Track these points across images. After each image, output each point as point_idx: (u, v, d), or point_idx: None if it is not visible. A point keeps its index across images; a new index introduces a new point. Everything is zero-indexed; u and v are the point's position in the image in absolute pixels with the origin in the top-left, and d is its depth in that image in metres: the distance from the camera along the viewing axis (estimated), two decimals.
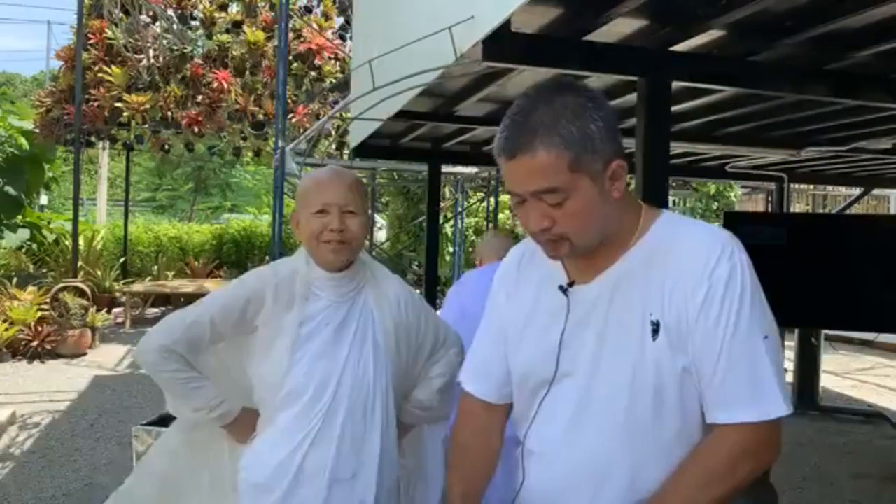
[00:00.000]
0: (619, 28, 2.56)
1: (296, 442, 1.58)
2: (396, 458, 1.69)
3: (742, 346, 1.12)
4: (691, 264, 1.15)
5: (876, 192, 9.24)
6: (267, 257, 12.28)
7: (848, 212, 8.18)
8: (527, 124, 1.13)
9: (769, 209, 11.27)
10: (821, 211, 13.15)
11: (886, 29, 2.44)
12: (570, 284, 1.25)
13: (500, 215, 11.26)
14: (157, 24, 8.21)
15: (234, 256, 12.47)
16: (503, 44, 2.42)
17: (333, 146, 9.94)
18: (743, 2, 2.26)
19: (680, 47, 2.65)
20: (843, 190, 13.26)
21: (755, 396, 1.11)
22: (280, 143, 6.01)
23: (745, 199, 14.15)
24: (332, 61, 8.86)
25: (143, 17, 7.99)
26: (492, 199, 9.15)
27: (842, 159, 5.66)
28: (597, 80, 3.18)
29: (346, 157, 9.95)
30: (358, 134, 5.22)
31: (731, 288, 1.13)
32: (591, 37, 2.56)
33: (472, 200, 11.33)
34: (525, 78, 3.37)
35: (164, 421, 2.58)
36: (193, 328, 1.65)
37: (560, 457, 1.23)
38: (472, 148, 5.62)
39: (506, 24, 2.34)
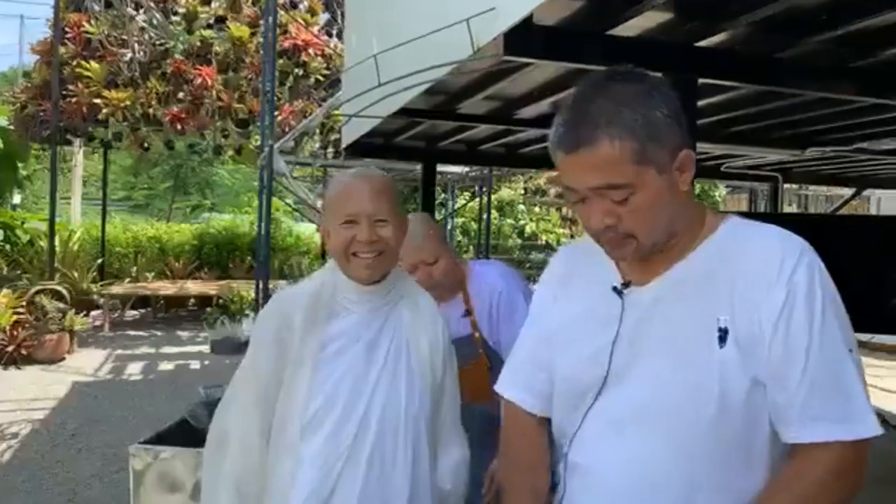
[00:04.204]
0: (640, 22, 2.45)
1: (322, 474, 1.42)
2: (431, 492, 1.54)
3: (828, 358, 1.03)
4: (765, 267, 1.06)
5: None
6: (249, 257, 12.06)
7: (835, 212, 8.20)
8: (587, 115, 1.05)
9: (752, 209, 11.30)
10: (802, 210, 13.24)
11: None
12: (626, 285, 1.16)
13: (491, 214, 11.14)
14: (141, 16, 7.96)
15: (216, 257, 12.20)
16: (525, 37, 2.30)
17: (317, 145, 9.78)
18: None
19: (703, 43, 2.55)
20: (823, 189, 13.41)
21: (846, 414, 1.02)
22: (269, 141, 5.85)
23: (729, 198, 14.22)
24: (318, 58, 8.67)
25: (129, 10, 7.74)
26: (483, 198, 9.02)
27: (837, 160, 5.64)
28: None
29: (329, 155, 9.80)
30: (352, 132, 5.06)
31: (813, 295, 1.04)
32: (612, 31, 2.45)
33: (460, 200, 11.22)
34: (535, 75, 3.26)
35: (162, 438, 2.42)
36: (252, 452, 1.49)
37: (610, 471, 1.13)
38: (468, 147, 5.49)
39: (527, 17, 2.22)
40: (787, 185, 11.23)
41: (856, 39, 2.49)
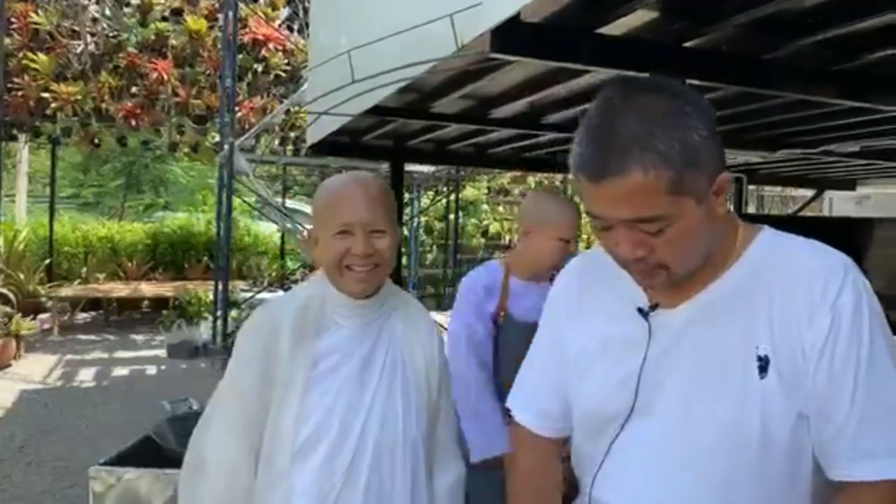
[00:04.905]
0: (628, 21, 2.38)
1: (317, 503, 1.32)
2: None
3: (878, 388, 0.94)
4: (807, 289, 0.97)
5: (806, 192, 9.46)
6: (205, 258, 11.71)
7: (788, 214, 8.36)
8: (616, 138, 0.92)
9: None
10: (759, 211, 13.53)
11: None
12: (653, 307, 1.06)
13: (452, 215, 11.05)
14: (94, 7, 7.62)
15: (171, 257, 11.82)
16: (512, 34, 2.21)
17: (277, 142, 9.55)
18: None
19: (691, 43, 2.50)
20: (778, 190, 13.73)
21: None
22: (230, 139, 5.65)
23: None
24: (279, 53, 8.44)
25: (81, 0, 7.38)
26: (450, 198, 8.93)
27: (800, 161, 5.72)
28: (600, 76, 3.03)
29: (289, 152, 9.59)
30: (318, 130, 4.91)
31: (860, 318, 0.95)
32: (600, 29, 2.38)
33: (425, 201, 11.11)
34: (514, 74, 3.17)
35: (124, 458, 2.26)
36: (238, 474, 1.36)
37: None
38: (437, 146, 5.39)
39: (515, 14, 2.13)
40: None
41: (840, 43, 2.48)
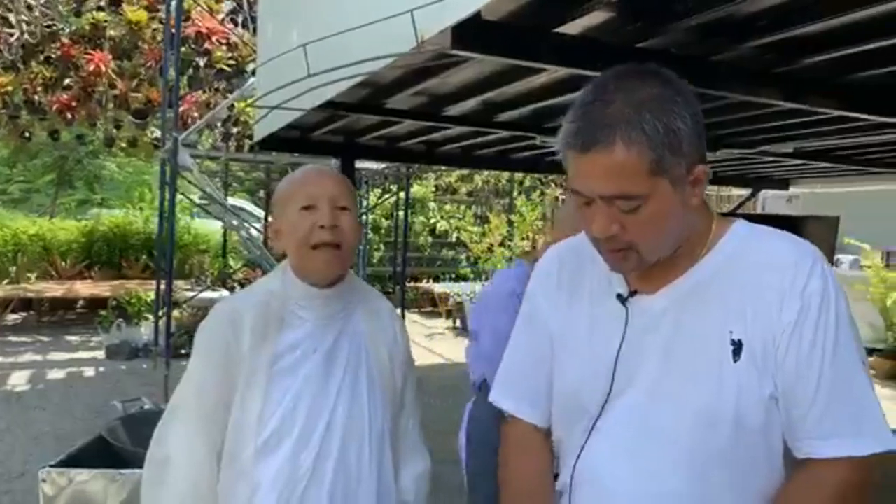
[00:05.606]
0: (585, 21, 2.44)
1: (283, 498, 1.31)
2: None
3: (842, 371, 1.00)
4: (778, 278, 1.03)
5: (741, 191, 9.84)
6: (144, 256, 11.36)
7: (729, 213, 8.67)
8: (604, 115, 0.98)
9: None
10: None
11: (839, 36, 2.48)
12: (632, 294, 1.10)
13: (401, 212, 11.02)
14: None
15: (106, 255, 11.41)
16: (472, 31, 2.24)
17: (219, 137, 9.34)
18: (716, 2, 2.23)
19: (644, 45, 2.58)
20: (714, 189, 14.23)
21: (861, 428, 1.00)
22: (174, 133, 5.51)
23: None
24: (223, 47, 8.25)
25: None
26: (401, 195, 8.91)
27: (738, 161, 5.94)
28: (555, 75, 3.09)
29: (231, 148, 9.39)
30: (266, 125, 4.83)
31: (826, 306, 1.01)
32: (558, 29, 2.43)
33: (372, 198, 11.05)
34: (469, 71, 3.20)
35: (76, 461, 2.18)
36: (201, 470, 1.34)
37: (620, 490, 1.07)
38: (389, 142, 5.37)
39: (476, 11, 2.16)
40: None
41: (784, 45, 2.59)
